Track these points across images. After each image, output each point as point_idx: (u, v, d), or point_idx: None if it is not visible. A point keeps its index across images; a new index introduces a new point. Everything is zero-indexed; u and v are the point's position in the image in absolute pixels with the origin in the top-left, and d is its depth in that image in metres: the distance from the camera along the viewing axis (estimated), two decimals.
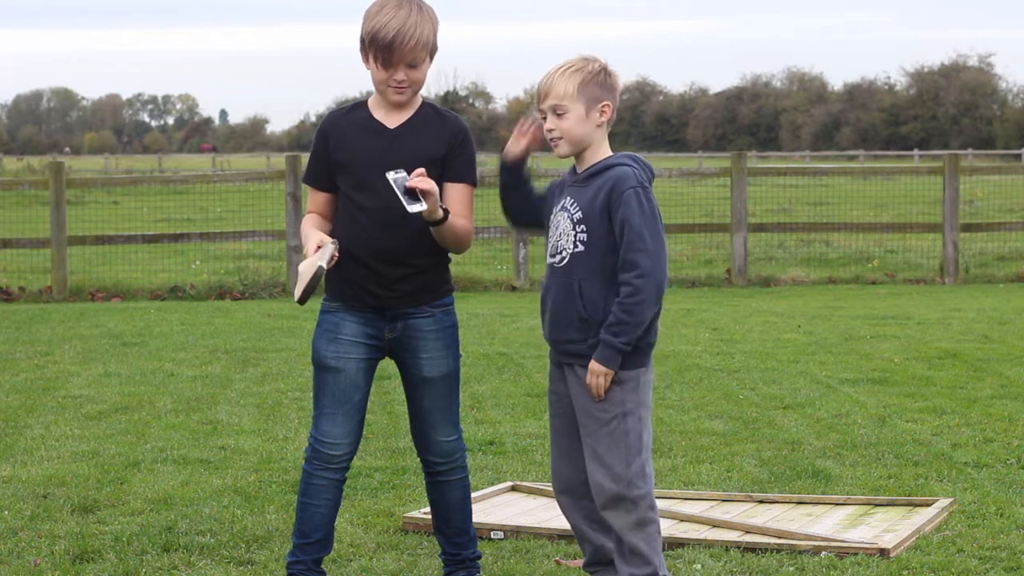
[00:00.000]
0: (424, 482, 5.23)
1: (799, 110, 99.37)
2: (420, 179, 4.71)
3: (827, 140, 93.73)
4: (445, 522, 5.18)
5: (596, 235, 4.63)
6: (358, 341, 4.93)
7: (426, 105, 4.96)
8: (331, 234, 4.92)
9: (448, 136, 4.94)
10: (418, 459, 5.22)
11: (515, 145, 4.82)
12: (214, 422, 8.39)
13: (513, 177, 4.87)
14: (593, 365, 4.64)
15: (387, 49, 4.80)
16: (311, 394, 5.10)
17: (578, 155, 4.75)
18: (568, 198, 4.73)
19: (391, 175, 4.78)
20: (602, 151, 4.73)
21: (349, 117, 4.97)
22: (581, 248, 4.66)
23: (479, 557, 5.26)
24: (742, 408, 8.74)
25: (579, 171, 4.75)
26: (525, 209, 4.91)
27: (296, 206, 16.99)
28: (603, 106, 4.69)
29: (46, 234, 17.38)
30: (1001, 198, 27.74)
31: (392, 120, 4.93)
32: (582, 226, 4.65)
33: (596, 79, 4.68)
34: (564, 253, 4.70)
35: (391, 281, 4.89)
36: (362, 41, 4.88)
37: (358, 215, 4.88)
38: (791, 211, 26.10)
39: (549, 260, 4.77)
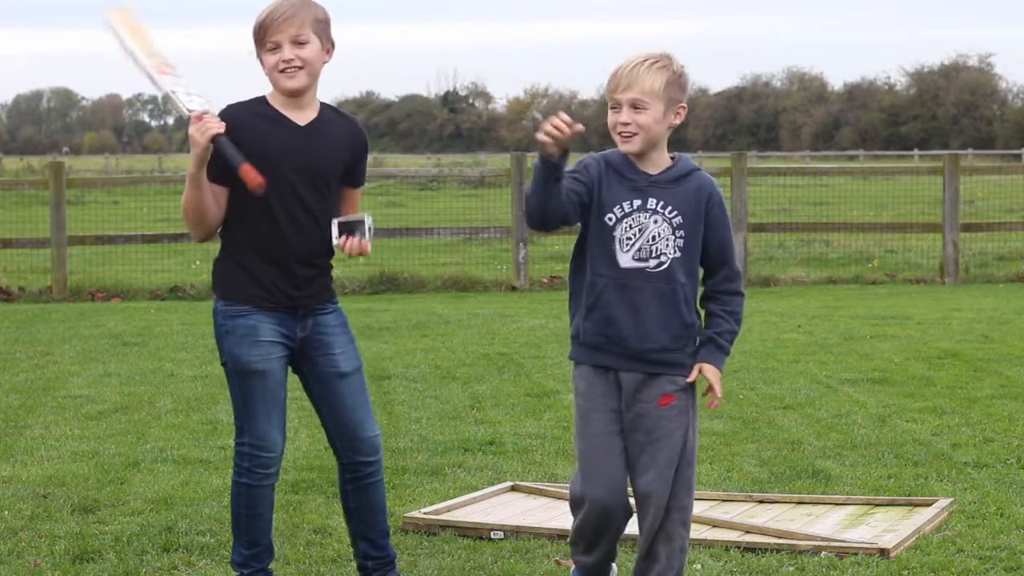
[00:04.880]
0: (343, 491, 5.08)
1: (799, 110, 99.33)
2: (363, 246, 4.75)
3: (827, 140, 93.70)
4: (369, 527, 5.06)
5: (692, 240, 4.59)
6: (276, 341, 4.85)
7: (325, 107, 4.92)
8: (233, 227, 4.82)
9: (354, 142, 4.94)
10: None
11: (559, 145, 4.36)
12: (214, 422, 8.38)
13: (560, 175, 4.44)
14: (714, 371, 4.61)
15: (261, 27, 4.76)
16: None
17: (642, 153, 4.61)
18: (652, 199, 4.58)
19: (367, 218, 4.78)
20: (666, 152, 4.65)
21: (254, 110, 4.83)
22: (679, 254, 4.57)
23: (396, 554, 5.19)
24: (742, 408, 8.74)
25: (649, 171, 4.59)
26: (559, 211, 4.51)
27: None
28: (679, 108, 4.60)
29: (46, 234, 17.38)
30: (1001, 198, 27.72)
31: (299, 118, 4.85)
32: (681, 231, 4.57)
33: (680, 81, 4.60)
34: (664, 258, 4.56)
35: (302, 280, 4.85)
36: (254, 45, 4.83)
37: (277, 214, 4.79)
38: (791, 211, 26.09)
39: (635, 264, 4.56)
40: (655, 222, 4.57)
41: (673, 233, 4.57)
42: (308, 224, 4.83)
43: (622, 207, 4.57)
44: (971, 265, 19.03)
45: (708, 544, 5.72)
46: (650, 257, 4.56)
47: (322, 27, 4.82)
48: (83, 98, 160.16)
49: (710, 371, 4.60)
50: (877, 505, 6.34)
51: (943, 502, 6.26)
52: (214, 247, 5.00)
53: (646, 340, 4.57)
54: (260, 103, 4.86)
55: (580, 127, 4.35)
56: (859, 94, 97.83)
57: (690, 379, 4.61)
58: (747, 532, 5.87)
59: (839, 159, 74.03)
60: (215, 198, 4.81)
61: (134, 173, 43.50)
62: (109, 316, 14.30)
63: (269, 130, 4.80)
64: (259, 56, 4.83)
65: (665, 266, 4.57)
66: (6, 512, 6.28)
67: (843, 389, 9.40)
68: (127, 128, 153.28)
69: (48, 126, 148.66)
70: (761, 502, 6.42)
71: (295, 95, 4.82)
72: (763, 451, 7.51)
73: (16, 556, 5.62)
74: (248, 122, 4.79)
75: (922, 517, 6.03)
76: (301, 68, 4.77)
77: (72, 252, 17.76)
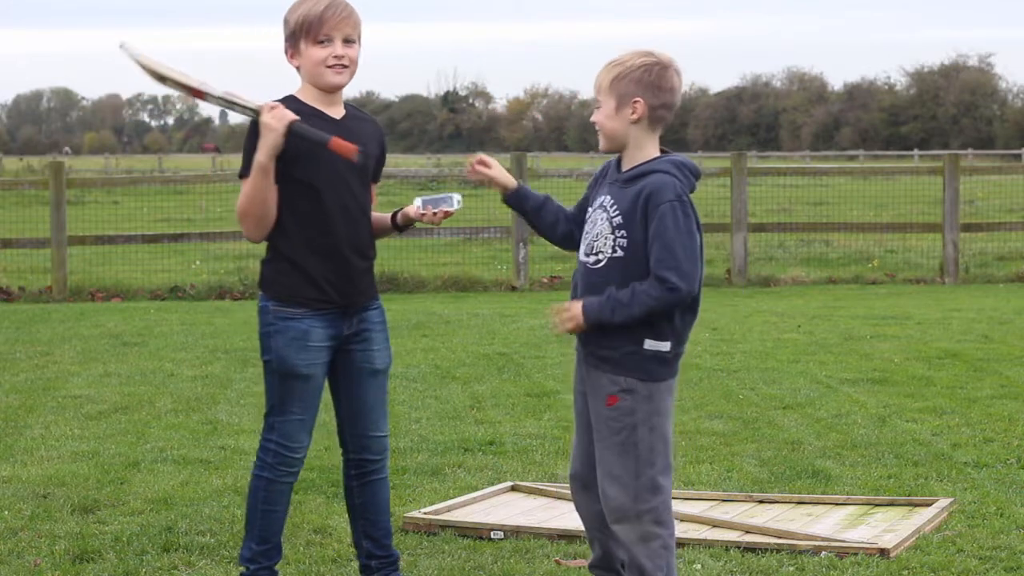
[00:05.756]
0: (348, 487, 5.06)
1: (799, 110, 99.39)
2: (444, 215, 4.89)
3: (827, 140, 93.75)
4: (374, 525, 5.05)
5: (635, 242, 4.51)
6: (324, 345, 4.85)
7: (348, 104, 4.95)
8: (287, 226, 4.81)
9: (379, 139, 5.01)
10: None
11: (497, 183, 4.84)
12: (214, 422, 8.39)
13: (524, 211, 4.84)
14: (574, 307, 4.52)
15: (319, 20, 4.76)
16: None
17: (622, 152, 4.64)
18: (608, 197, 4.60)
19: (456, 195, 4.89)
20: (646, 152, 4.60)
21: (293, 108, 4.81)
22: (620, 254, 4.53)
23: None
24: (742, 408, 8.74)
25: (622, 169, 4.64)
26: (556, 233, 4.84)
27: None
28: (634, 103, 4.56)
29: (46, 234, 17.38)
30: (1001, 198, 27.71)
31: (333, 113, 4.87)
32: (622, 231, 4.53)
33: (631, 75, 4.56)
34: (601, 256, 4.57)
35: (358, 274, 4.87)
36: (293, 33, 4.82)
37: (332, 208, 4.80)
38: (791, 211, 26.10)
39: (583, 258, 4.64)
40: (601, 219, 4.60)
41: (613, 232, 4.55)
42: (359, 216, 4.87)
43: (594, 203, 4.68)
44: (971, 265, 19.03)
45: (708, 544, 5.72)
46: (591, 253, 4.61)
47: (361, 28, 4.89)
48: (83, 98, 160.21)
49: (572, 305, 4.55)
50: (877, 505, 6.34)
51: (943, 502, 6.26)
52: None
53: (584, 334, 4.64)
54: (294, 101, 4.85)
55: (486, 171, 4.79)
56: (859, 94, 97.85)
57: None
58: (747, 532, 5.86)
59: (839, 159, 74.04)
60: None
61: (134, 173, 43.52)
62: (109, 316, 14.30)
63: (312, 125, 4.78)
64: (299, 48, 4.81)
65: (602, 264, 4.57)
66: (6, 512, 6.28)
67: (843, 389, 9.40)
68: (127, 128, 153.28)
69: (48, 126, 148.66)
70: (761, 502, 6.42)
71: (334, 91, 4.86)
72: (763, 451, 7.51)
73: (16, 556, 5.62)
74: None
75: (922, 517, 6.03)
76: (347, 67, 4.82)
77: (72, 252, 17.76)
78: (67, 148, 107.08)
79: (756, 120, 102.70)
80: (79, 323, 13.57)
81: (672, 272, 4.45)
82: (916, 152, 71.89)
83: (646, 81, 4.58)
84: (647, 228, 4.49)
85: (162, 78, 4.80)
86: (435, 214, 4.88)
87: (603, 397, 4.60)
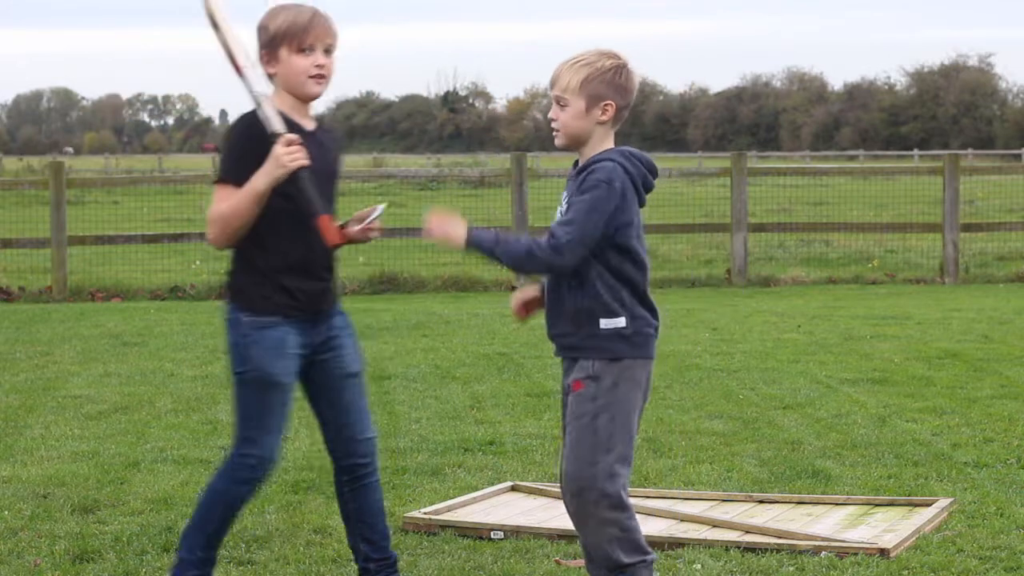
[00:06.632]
0: (340, 494, 5.02)
1: (799, 110, 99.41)
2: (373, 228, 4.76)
3: (827, 140, 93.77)
4: (370, 528, 5.00)
5: None
6: (298, 354, 4.78)
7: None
8: (263, 240, 4.71)
9: (340, 152, 4.96)
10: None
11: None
12: (214, 422, 8.39)
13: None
14: (458, 226, 4.51)
15: (304, 29, 4.67)
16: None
17: (579, 150, 4.68)
18: (565, 193, 4.69)
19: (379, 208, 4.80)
20: (602, 148, 4.65)
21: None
22: None
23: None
24: (742, 408, 8.74)
25: (577, 166, 4.72)
26: None
27: None
28: (605, 105, 4.60)
29: (46, 234, 17.38)
30: (1001, 198, 27.71)
31: (307, 124, 4.78)
32: None
33: (603, 76, 4.59)
34: None
35: (326, 286, 4.82)
36: (272, 40, 4.70)
37: (311, 225, 4.68)
38: (791, 211, 26.10)
39: None
40: (559, 214, 4.65)
41: None
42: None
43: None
44: (971, 265, 19.04)
45: (708, 544, 5.71)
46: None
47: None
48: (83, 98, 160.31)
49: (454, 219, 4.54)
50: (877, 505, 6.34)
51: (943, 502, 6.25)
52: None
53: (551, 326, 4.72)
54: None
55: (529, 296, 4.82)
56: (859, 94, 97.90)
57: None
58: (747, 532, 5.86)
59: (839, 159, 74.03)
60: None
61: (134, 173, 43.50)
62: (109, 316, 14.30)
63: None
64: (278, 56, 4.71)
65: None
66: (6, 512, 6.28)
67: (843, 389, 9.40)
68: (127, 128, 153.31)
69: (48, 126, 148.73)
70: (761, 502, 6.42)
71: (311, 100, 4.79)
72: (763, 451, 7.51)
73: (16, 556, 5.61)
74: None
75: (922, 517, 6.03)
76: (325, 77, 4.76)
77: (72, 252, 17.76)
78: (69, 148, 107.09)
79: (756, 120, 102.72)
80: (79, 323, 13.57)
81: (563, 235, 4.47)
82: (916, 152, 71.88)
83: (616, 83, 4.63)
84: None
85: (215, 26, 4.72)
86: (362, 230, 4.73)
87: (572, 383, 4.66)
